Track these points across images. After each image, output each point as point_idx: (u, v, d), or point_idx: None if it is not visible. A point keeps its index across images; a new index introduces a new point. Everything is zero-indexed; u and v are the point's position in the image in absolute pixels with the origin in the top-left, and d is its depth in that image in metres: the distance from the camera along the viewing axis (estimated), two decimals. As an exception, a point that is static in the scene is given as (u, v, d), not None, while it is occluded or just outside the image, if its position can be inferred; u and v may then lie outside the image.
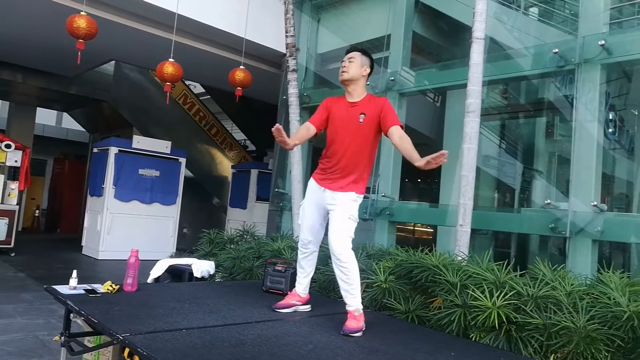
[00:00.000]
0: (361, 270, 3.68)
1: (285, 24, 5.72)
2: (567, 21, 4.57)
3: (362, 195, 2.96)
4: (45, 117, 15.28)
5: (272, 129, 2.66)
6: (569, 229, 4.12)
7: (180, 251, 8.96)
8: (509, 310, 2.78)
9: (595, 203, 4.01)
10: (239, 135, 13.96)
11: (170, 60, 5.62)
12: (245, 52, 6.56)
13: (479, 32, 4.14)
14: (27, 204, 11.90)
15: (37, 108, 12.54)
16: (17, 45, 7.97)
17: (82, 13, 4.98)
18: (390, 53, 5.87)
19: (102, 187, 8.26)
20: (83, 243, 8.79)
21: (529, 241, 6.04)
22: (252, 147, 14.18)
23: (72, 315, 2.74)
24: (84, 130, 15.16)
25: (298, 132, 3.14)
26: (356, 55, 3.00)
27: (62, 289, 2.89)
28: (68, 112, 13.80)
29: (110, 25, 6.25)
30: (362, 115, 2.89)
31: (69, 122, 16.56)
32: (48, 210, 13.55)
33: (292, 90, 5.69)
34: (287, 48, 5.77)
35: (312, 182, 3.12)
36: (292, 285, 3.48)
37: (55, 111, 16.82)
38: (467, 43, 5.82)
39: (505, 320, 2.75)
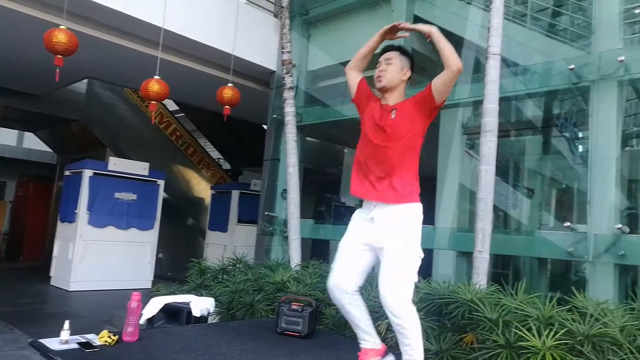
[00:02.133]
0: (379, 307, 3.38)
1: (281, 40, 5.44)
2: (581, 38, 4.44)
3: (420, 208, 2.50)
4: (5, 137, 14.48)
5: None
6: (591, 252, 3.93)
7: (157, 278, 8.47)
8: (563, 352, 2.51)
9: (620, 226, 3.83)
10: (214, 154, 13.53)
11: (156, 77, 5.25)
12: (233, 70, 6.24)
13: (494, 47, 3.96)
14: (-13, 230, 11.15)
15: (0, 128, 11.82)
16: (-19, 62, 7.41)
17: (61, 27, 4.58)
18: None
19: (75, 213, 7.69)
20: (52, 273, 8.14)
21: (519, 262, 5.85)
22: (226, 166, 13.76)
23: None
24: (49, 150, 14.41)
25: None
26: (394, 55, 2.62)
27: (51, 343, 2.46)
28: (34, 132, 13.06)
29: (89, 41, 5.81)
30: (394, 111, 2.54)
31: (32, 142, 15.74)
32: (9, 236, 12.71)
33: (289, 109, 5.39)
34: (283, 65, 5.48)
35: (355, 215, 2.68)
36: (310, 326, 3.15)
37: (17, 131, 15.97)
38: (466, 61, 5.72)
39: (561, 363, 2.49)
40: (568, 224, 4.12)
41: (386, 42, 2.78)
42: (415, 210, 2.49)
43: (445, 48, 2.41)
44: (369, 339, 2.62)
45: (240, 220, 9.53)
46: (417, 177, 2.55)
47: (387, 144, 2.51)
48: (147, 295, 3.75)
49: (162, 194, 8.71)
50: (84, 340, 2.51)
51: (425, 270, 4.92)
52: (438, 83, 2.46)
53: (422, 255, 2.44)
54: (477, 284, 3.68)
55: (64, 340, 2.47)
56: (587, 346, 2.53)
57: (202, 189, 11.53)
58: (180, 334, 3.00)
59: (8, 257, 12.03)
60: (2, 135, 13.60)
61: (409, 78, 2.66)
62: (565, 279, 5.37)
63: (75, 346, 2.45)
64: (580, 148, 4.72)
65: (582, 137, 4.68)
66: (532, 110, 5.29)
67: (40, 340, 2.49)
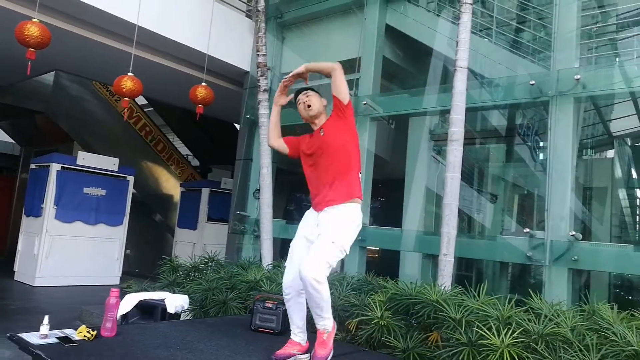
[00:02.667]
0: (354, 305, 3.56)
1: (257, 43, 5.53)
2: (541, 55, 4.71)
3: (354, 205, 2.78)
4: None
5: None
6: (547, 257, 4.19)
7: (125, 274, 8.40)
8: (519, 350, 2.72)
9: (573, 233, 4.10)
10: (182, 150, 13.42)
11: (130, 74, 5.25)
12: (207, 69, 6.29)
13: (462, 61, 4.17)
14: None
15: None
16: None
17: (34, 20, 4.54)
18: (361, 77, 5.82)
19: (41, 207, 7.56)
20: (16, 268, 7.97)
21: (482, 265, 6.13)
22: (195, 162, 13.66)
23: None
24: (10, 141, 13.97)
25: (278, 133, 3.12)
26: (307, 92, 3.00)
27: (30, 337, 2.50)
28: (-5, 122, 12.66)
29: (60, 34, 5.75)
30: (322, 131, 2.89)
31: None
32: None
33: (264, 111, 5.48)
34: (258, 67, 5.56)
35: (305, 215, 2.96)
36: (284, 323, 3.26)
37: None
38: (435, 70, 5.95)
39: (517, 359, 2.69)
40: (527, 230, 4.37)
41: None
42: (353, 209, 2.78)
43: (320, 66, 2.88)
44: (300, 335, 2.88)
45: (210, 219, 9.53)
46: (358, 178, 2.87)
47: (327, 158, 2.84)
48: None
49: (131, 190, 8.65)
50: (63, 335, 2.56)
51: (393, 271, 5.14)
52: (334, 88, 2.82)
53: (347, 251, 2.70)
54: (442, 285, 3.87)
55: (43, 334, 2.51)
56: (541, 344, 2.74)
57: (171, 185, 11.46)
58: (157, 330, 3.07)
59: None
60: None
61: (325, 105, 3.01)
62: (524, 281, 5.66)
63: (55, 340, 2.49)
64: (541, 156, 4.99)
65: (543, 146, 4.95)
66: (496, 120, 5.56)
67: (20, 334, 2.52)
